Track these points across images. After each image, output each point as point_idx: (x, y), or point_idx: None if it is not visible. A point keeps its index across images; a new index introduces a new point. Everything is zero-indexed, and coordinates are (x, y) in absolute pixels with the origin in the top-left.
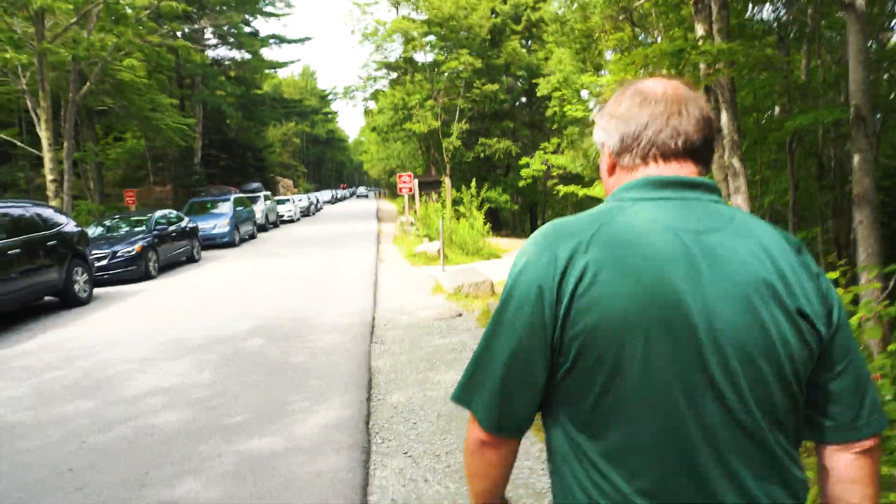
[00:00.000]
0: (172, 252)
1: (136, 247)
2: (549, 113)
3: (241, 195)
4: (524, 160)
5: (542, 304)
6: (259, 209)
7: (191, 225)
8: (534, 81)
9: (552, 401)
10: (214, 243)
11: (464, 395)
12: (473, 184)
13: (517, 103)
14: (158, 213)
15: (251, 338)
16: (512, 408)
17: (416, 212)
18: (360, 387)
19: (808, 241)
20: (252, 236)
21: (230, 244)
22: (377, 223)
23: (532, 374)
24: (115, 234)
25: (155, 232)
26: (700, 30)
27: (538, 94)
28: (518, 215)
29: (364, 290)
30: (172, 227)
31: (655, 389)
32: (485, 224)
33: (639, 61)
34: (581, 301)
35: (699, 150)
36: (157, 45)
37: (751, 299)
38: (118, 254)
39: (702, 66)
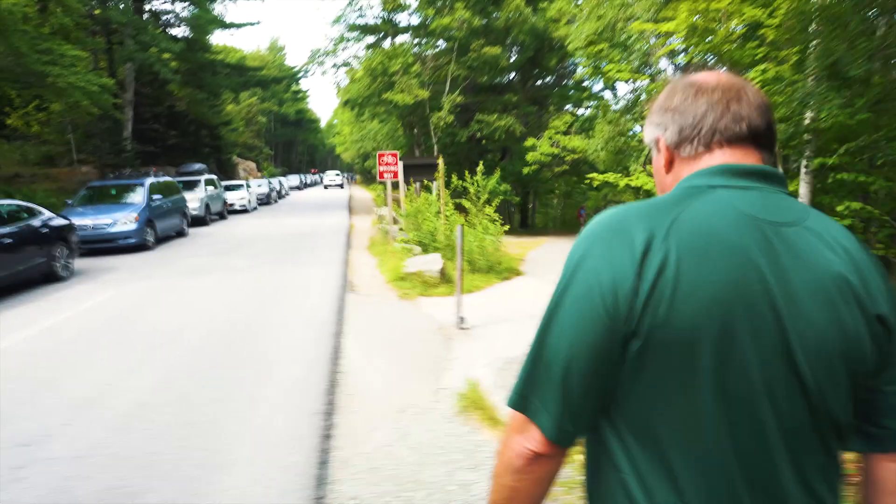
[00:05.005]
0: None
1: None
2: (577, 77)
3: (165, 179)
4: (530, 141)
5: (616, 293)
6: (195, 197)
7: (55, 222)
8: (555, 35)
9: (611, 404)
10: (115, 246)
11: (520, 401)
12: (480, 168)
13: (516, 74)
14: None
15: None
16: (576, 412)
17: (399, 205)
18: None
19: None
20: (180, 233)
21: (140, 247)
22: (348, 216)
23: (601, 375)
24: None
25: None
26: None
27: (569, 48)
28: (507, 208)
29: (306, 401)
30: (6, 230)
31: (737, 389)
32: (502, 224)
33: None
34: (662, 293)
35: (763, 135)
36: None
37: (833, 297)
38: None
39: None
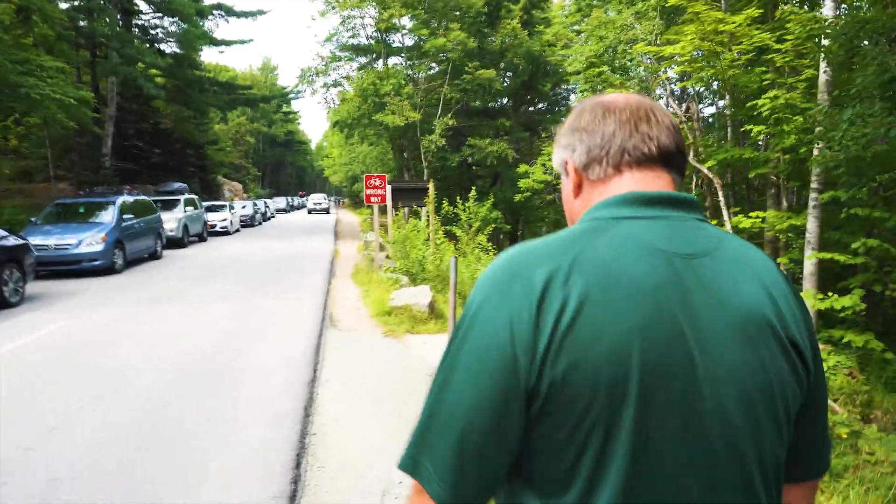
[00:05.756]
0: None
1: None
2: (571, 105)
3: (139, 198)
4: (522, 168)
5: (514, 345)
6: (173, 217)
7: (6, 242)
8: (560, 53)
9: (513, 468)
10: (80, 268)
11: (411, 463)
12: (473, 194)
13: (509, 99)
14: None
15: None
16: (474, 479)
17: (386, 231)
18: None
19: None
20: (153, 255)
21: (108, 269)
22: (334, 240)
23: (502, 437)
24: None
25: None
26: None
27: (568, 70)
28: (497, 236)
29: (266, 479)
30: None
31: (650, 447)
32: (495, 253)
33: None
34: (562, 341)
35: (673, 156)
36: None
37: (749, 334)
38: None
39: None
